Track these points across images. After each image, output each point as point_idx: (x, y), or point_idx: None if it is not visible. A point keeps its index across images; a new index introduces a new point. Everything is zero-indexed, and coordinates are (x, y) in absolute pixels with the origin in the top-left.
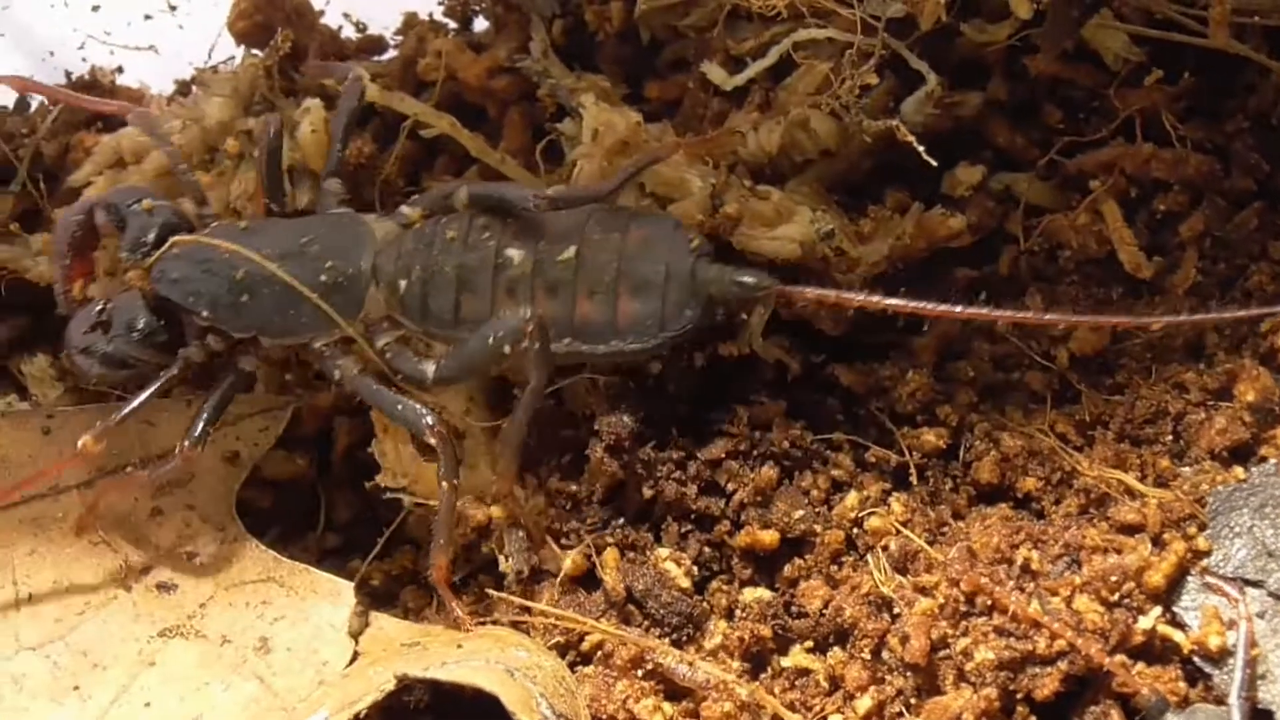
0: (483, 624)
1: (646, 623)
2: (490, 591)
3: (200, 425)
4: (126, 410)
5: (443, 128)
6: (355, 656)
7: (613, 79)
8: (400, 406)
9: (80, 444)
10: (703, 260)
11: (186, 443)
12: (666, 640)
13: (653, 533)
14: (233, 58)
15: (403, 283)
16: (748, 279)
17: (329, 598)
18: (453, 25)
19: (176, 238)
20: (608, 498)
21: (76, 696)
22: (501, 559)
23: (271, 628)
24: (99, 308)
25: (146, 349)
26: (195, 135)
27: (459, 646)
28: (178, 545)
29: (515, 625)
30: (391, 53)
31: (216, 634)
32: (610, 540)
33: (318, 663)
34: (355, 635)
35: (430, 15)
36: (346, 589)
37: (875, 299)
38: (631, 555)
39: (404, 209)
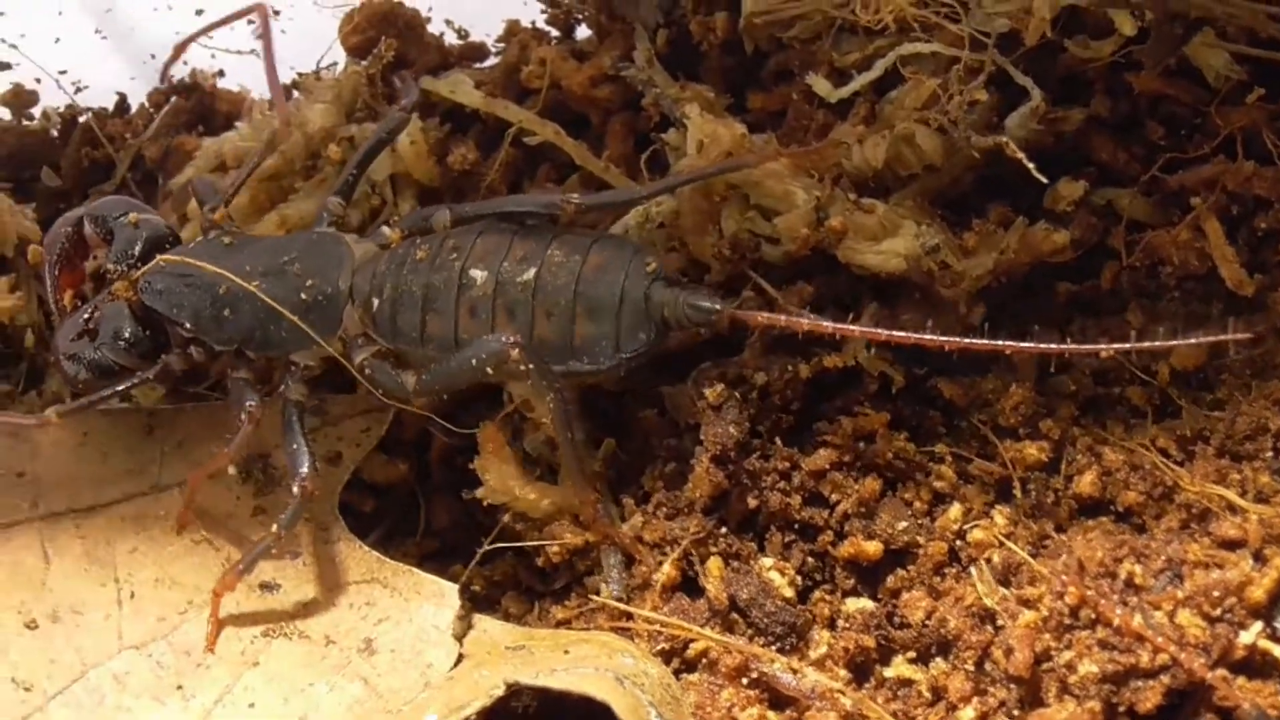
0: (586, 630)
1: (750, 631)
2: (594, 597)
3: (305, 459)
4: (94, 398)
5: (547, 135)
6: (460, 659)
7: (715, 89)
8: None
9: (46, 412)
10: (658, 284)
11: (304, 474)
12: (773, 649)
13: (756, 542)
14: (335, 63)
15: (375, 301)
16: (701, 303)
17: (433, 599)
18: (554, 33)
19: (162, 255)
20: (711, 507)
21: (179, 696)
22: (601, 585)
23: (376, 629)
24: (86, 315)
25: (131, 357)
26: (298, 141)
27: (566, 652)
28: (281, 545)
29: (618, 632)
30: (492, 60)
31: (320, 634)
32: (714, 549)
33: (422, 664)
34: (459, 637)
35: (533, 22)
36: (451, 591)
37: (826, 324)
38: (735, 564)
39: (384, 229)
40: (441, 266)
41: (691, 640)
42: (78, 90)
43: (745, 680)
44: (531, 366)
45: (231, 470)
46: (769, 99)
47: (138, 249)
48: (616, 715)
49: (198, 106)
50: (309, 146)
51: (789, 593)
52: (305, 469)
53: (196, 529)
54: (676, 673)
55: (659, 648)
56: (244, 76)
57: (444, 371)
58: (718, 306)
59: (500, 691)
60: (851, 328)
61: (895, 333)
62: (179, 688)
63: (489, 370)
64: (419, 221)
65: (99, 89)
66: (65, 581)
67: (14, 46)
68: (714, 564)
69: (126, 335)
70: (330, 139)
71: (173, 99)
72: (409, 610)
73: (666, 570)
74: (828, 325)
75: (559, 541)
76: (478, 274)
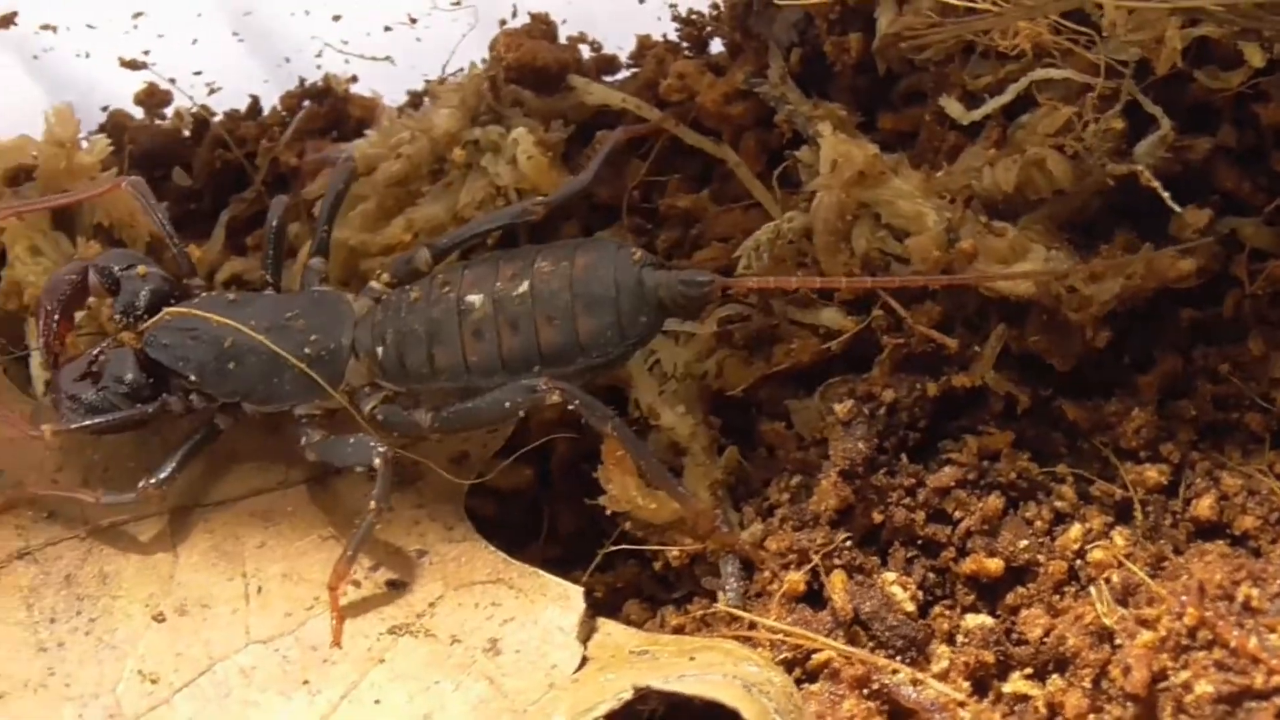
0: (707, 637)
1: (871, 644)
2: (716, 606)
3: (169, 470)
4: (90, 425)
5: (705, 147)
6: (583, 661)
7: (847, 108)
8: (350, 446)
9: (43, 428)
10: (647, 269)
11: (152, 481)
12: (897, 661)
13: (879, 556)
14: (460, 70)
15: (379, 350)
16: (691, 279)
17: (558, 601)
18: (686, 47)
19: (169, 309)
20: (836, 520)
21: (305, 691)
22: (719, 592)
23: (501, 629)
24: (90, 358)
25: (130, 403)
26: (424, 146)
27: (691, 658)
28: (406, 543)
29: (739, 640)
30: (622, 73)
31: (446, 633)
32: (838, 562)
33: (547, 666)
34: (583, 641)
35: (664, 36)
36: (576, 593)
37: (814, 280)
38: (859, 578)
39: (372, 284)
40: (438, 301)
41: (814, 650)
42: (211, 92)
43: (866, 691)
44: (580, 402)
45: (359, 469)
46: (899, 119)
47: (143, 300)
48: None
49: (330, 112)
50: (435, 150)
51: (910, 607)
52: (375, 448)
53: (324, 525)
54: (798, 682)
55: (781, 657)
56: (376, 82)
57: (472, 412)
58: (709, 278)
59: (628, 695)
60: (840, 280)
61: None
62: (305, 683)
63: (522, 414)
64: (402, 267)
65: (232, 91)
66: (193, 575)
67: (146, 52)
68: (838, 576)
69: (129, 380)
70: (455, 143)
71: (306, 104)
72: (534, 612)
73: (792, 580)
74: (817, 281)
75: (678, 547)
76: (474, 299)
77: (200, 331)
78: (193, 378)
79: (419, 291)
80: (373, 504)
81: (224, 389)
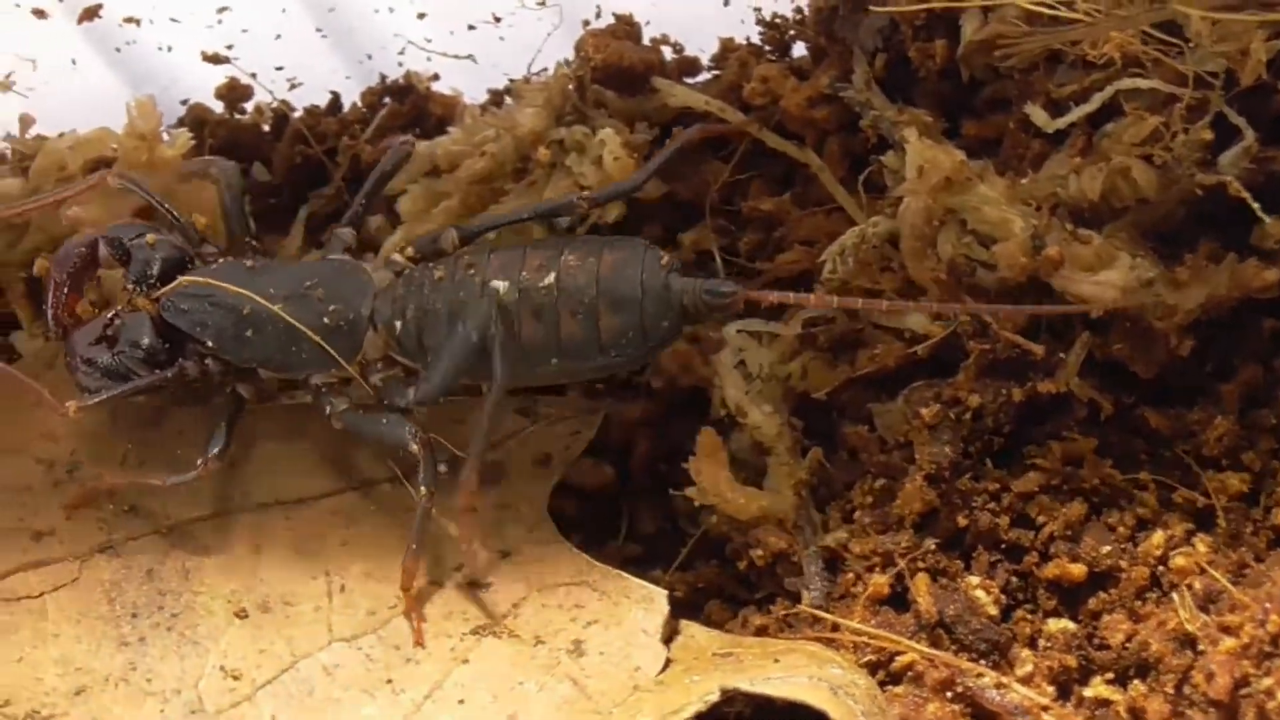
0: (789, 639)
1: (954, 647)
2: (800, 608)
3: (221, 440)
4: (113, 394)
5: (789, 151)
6: (667, 664)
7: (931, 115)
8: (384, 423)
9: (67, 404)
10: (674, 274)
11: (211, 453)
12: (981, 664)
13: (962, 560)
14: (545, 69)
15: (398, 324)
16: (716, 288)
17: (642, 603)
18: (768, 50)
19: (186, 277)
20: (919, 523)
21: (389, 690)
22: (803, 592)
23: (585, 631)
24: (106, 322)
25: (146, 366)
26: (508, 144)
27: (776, 660)
28: (489, 544)
29: (821, 642)
30: (703, 75)
31: (530, 634)
32: (921, 565)
33: (630, 667)
34: (666, 642)
35: (747, 39)
36: (660, 595)
37: (832, 300)
38: (943, 581)
39: (395, 256)
40: (462, 283)
41: (898, 653)
42: (292, 87)
43: (950, 694)
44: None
45: (443, 468)
46: (983, 126)
47: (155, 268)
48: None
49: (411, 109)
50: (519, 149)
51: (993, 611)
52: (408, 432)
53: (406, 525)
54: (881, 685)
55: (865, 659)
56: (458, 80)
57: (437, 366)
58: (734, 289)
59: (715, 697)
60: (831, 299)
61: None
62: (388, 681)
63: (474, 338)
64: (429, 245)
65: (312, 87)
66: (275, 573)
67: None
68: (922, 579)
69: (145, 345)
70: (540, 142)
71: (387, 100)
72: (618, 614)
73: (877, 583)
74: (833, 301)
75: (762, 545)
76: (499, 284)
77: (219, 298)
78: (210, 344)
79: (443, 271)
80: (423, 490)
81: (241, 356)
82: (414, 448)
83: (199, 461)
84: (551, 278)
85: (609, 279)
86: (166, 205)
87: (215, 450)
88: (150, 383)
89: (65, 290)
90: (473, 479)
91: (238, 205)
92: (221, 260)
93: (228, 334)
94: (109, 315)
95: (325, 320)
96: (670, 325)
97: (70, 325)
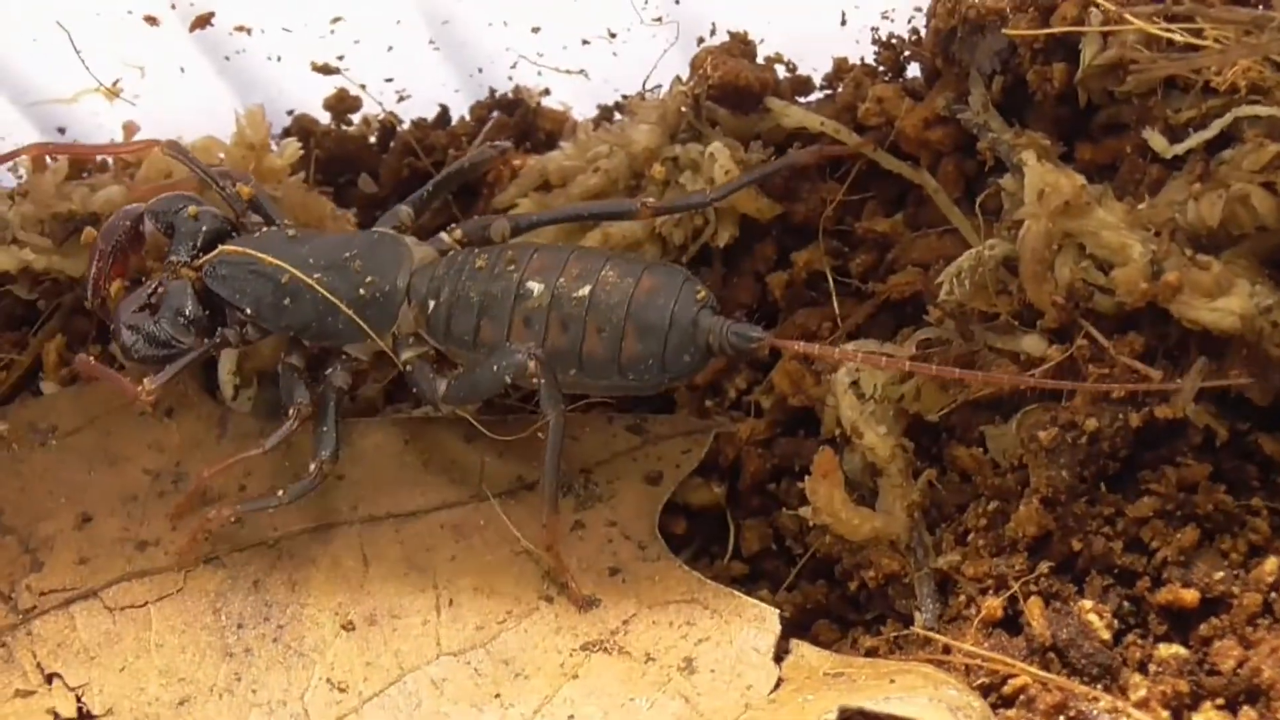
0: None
1: (1065, 671)
2: (912, 629)
3: (331, 440)
4: (173, 370)
5: (904, 172)
6: (778, 683)
7: (1049, 138)
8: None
9: (143, 383)
10: (705, 311)
11: (324, 456)
12: (1095, 689)
13: (1075, 584)
14: (659, 86)
15: (431, 303)
16: (744, 332)
17: (754, 623)
18: (882, 71)
19: (224, 247)
20: (1033, 546)
21: (497, 704)
22: (915, 612)
23: (696, 649)
24: (149, 290)
25: (188, 333)
26: (621, 161)
27: (891, 681)
28: (599, 561)
29: (933, 664)
30: (815, 95)
31: (640, 651)
32: (1034, 588)
33: (742, 686)
34: (777, 662)
35: (861, 59)
36: (771, 614)
37: (855, 350)
38: (1056, 604)
39: (443, 235)
40: (500, 276)
41: (1010, 676)
42: (400, 99)
43: (1062, 718)
44: (544, 381)
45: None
46: (1098, 151)
47: (200, 239)
48: None
49: (520, 123)
50: (633, 166)
51: (1106, 635)
52: (327, 453)
53: (516, 540)
54: (993, 708)
55: (978, 682)
56: (567, 95)
57: (470, 381)
58: (760, 335)
59: (832, 717)
60: (883, 355)
61: (934, 364)
62: (497, 696)
63: (508, 379)
64: (478, 230)
65: (420, 100)
66: (383, 585)
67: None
68: (1035, 603)
69: (187, 313)
70: (654, 158)
71: (495, 114)
72: (729, 632)
73: (990, 605)
74: (857, 352)
75: (875, 566)
76: (535, 286)
77: (258, 266)
78: (249, 311)
79: (484, 260)
80: (281, 493)
81: (279, 323)
82: (532, 366)
83: (312, 467)
84: (586, 290)
85: (641, 303)
86: (213, 175)
87: (327, 452)
88: (203, 352)
89: (109, 261)
90: (554, 519)
91: (199, 168)
92: (264, 229)
93: (266, 301)
94: (153, 284)
95: (361, 291)
96: (691, 361)
97: (108, 297)
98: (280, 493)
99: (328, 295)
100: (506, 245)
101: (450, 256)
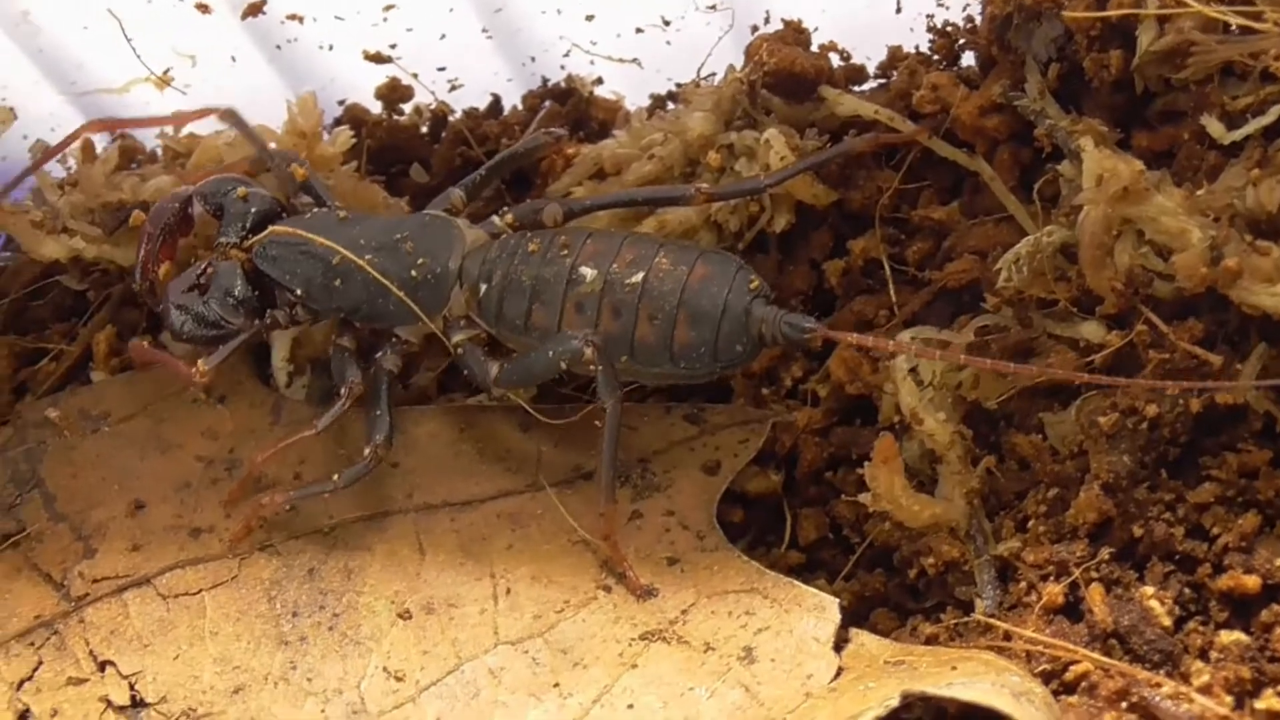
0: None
1: (1127, 657)
2: (972, 617)
3: (385, 423)
4: (226, 351)
5: (960, 160)
6: (838, 672)
7: (1106, 125)
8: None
9: (198, 364)
10: (758, 301)
11: (378, 440)
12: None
13: (1135, 570)
14: (714, 74)
15: (483, 286)
16: (796, 322)
17: (814, 612)
18: (936, 59)
19: (274, 227)
20: (1094, 533)
21: (556, 694)
22: (975, 599)
23: (755, 638)
24: (199, 271)
25: (237, 314)
26: (676, 148)
27: (953, 668)
28: (657, 551)
29: (994, 651)
30: (868, 84)
31: (700, 640)
32: (1095, 575)
33: (802, 675)
34: (837, 651)
35: (916, 48)
36: (831, 603)
37: (909, 341)
38: (1117, 591)
39: (494, 219)
40: (552, 261)
41: (1072, 663)
42: (452, 88)
43: (1125, 704)
44: (601, 367)
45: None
46: (1155, 138)
47: (249, 220)
48: None
49: (573, 112)
50: (688, 153)
51: (1167, 621)
52: (381, 436)
53: (573, 530)
54: (1054, 694)
55: (1039, 669)
56: (617, 84)
57: (525, 365)
58: (813, 326)
59: (896, 702)
60: (937, 349)
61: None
62: (555, 685)
63: (563, 365)
64: (529, 213)
65: (472, 89)
66: (440, 574)
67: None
68: (1096, 589)
69: (236, 293)
70: (709, 146)
71: (547, 103)
72: (789, 621)
73: (1051, 592)
74: (909, 344)
75: (934, 553)
76: (587, 271)
77: (309, 247)
78: (299, 291)
79: (537, 244)
80: (335, 477)
81: (329, 305)
82: (589, 353)
83: (366, 451)
84: (639, 276)
85: (694, 291)
86: (266, 150)
87: (381, 436)
88: (254, 333)
89: (158, 243)
90: (611, 509)
91: (256, 139)
92: (314, 210)
93: (316, 283)
94: (202, 265)
95: (413, 273)
96: (743, 350)
97: (156, 280)
98: (335, 477)
99: (379, 277)
100: (560, 230)
101: (503, 240)
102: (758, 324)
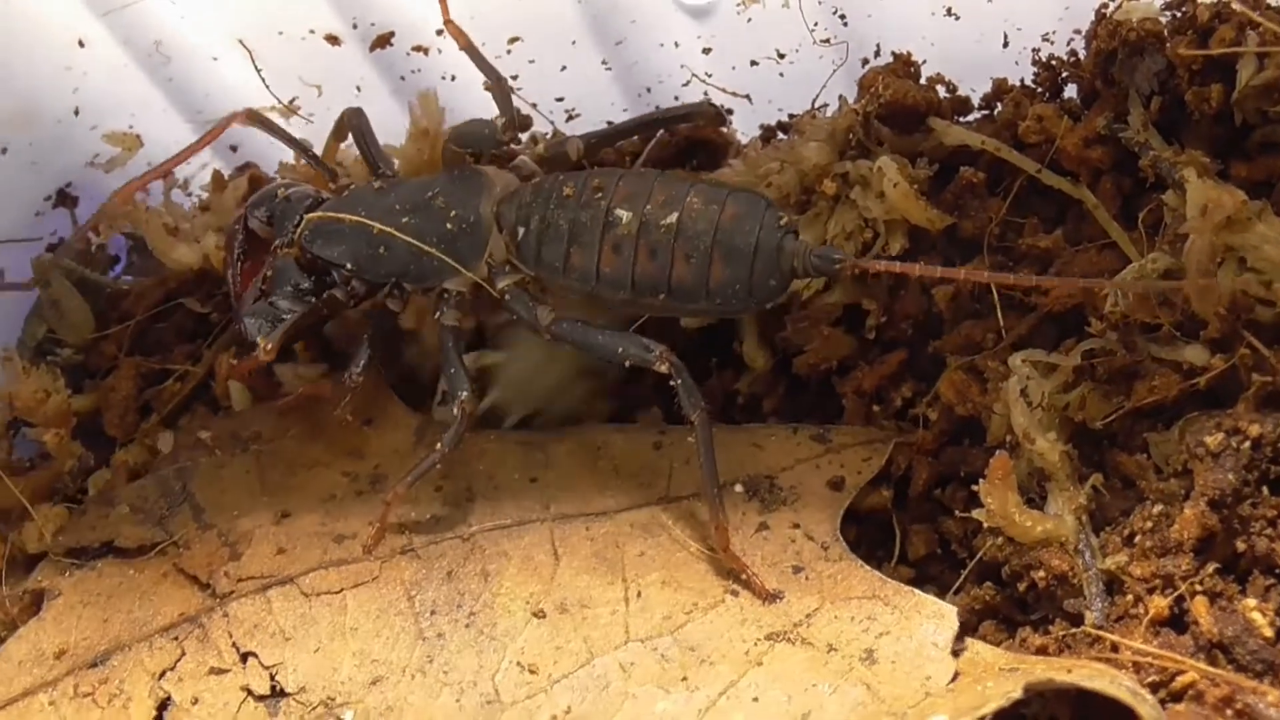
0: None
1: (1230, 667)
2: (1086, 628)
3: (464, 382)
4: (287, 325)
5: (1065, 188)
6: (955, 676)
7: (1207, 156)
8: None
9: (260, 347)
10: (789, 236)
11: (462, 398)
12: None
13: (1238, 583)
14: (826, 105)
15: (521, 230)
16: (826, 254)
17: (933, 619)
18: (1040, 91)
19: (310, 215)
20: (1198, 548)
21: (684, 686)
22: (1084, 611)
23: (876, 641)
24: (261, 281)
25: (304, 302)
26: (791, 177)
27: (1069, 671)
28: (783, 559)
29: (1102, 662)
30: (973, 115)
31: (823, 642)
32: (1199, 588)
33: (921, 677)
34: (954, 656)
35: (1021, 80)
36: (950, 611)
37: (937, 270)
38: (1221, 603)
39: (523, 158)
40: (588, 204)
41: (1179, 672)
42: (570, 118)
43: (1230, 711)
44: (681, 382)
45: (738, 488)
46: (1254, 168)
47: (295, 216)
48: None
49: (682, 142)
50: (803, 182)
51: (1269, 633)
52: (464, 392)
53: (702, 539)
54: (1162, 703)
55: (1147, 679)
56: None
57: (586, 335)
58: (843, 257)
59: (1018, 694)
60: (957, 271)
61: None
62: (683, 679)
63: (627, 363)
64: (555, 148)
65: (590, 118)
66: (574, 578)
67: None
68: (1201, 601)
69: (294, 283)
70: (824, 175)
71: (660, 133)
72: (909, 627)
73: (1158, 605)
74: (937, 271)
75: (1045, 567)
76: (623, 214)
77: (348, 222)
78: (350, 266)
79: (572, 188)
80: (439, 445)
81: (379, 272)
82: (662, 369)
83: (455, 410)
84: (674, 217)
85: (727, 229)
86: (299, 141)
87: (465, 392)
88: (313, 309)
89: (238, 268)
90: (720, 521)
91: (365, 142)
92: (351, 187)
93: (364, 254)
94: (263, 273)
95: (448, 226)
96: (776, 284)
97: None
98: (438, 446)
99: (409, 240)
100: (593, 173)
101: (536, 184)
102: (790, 258)
